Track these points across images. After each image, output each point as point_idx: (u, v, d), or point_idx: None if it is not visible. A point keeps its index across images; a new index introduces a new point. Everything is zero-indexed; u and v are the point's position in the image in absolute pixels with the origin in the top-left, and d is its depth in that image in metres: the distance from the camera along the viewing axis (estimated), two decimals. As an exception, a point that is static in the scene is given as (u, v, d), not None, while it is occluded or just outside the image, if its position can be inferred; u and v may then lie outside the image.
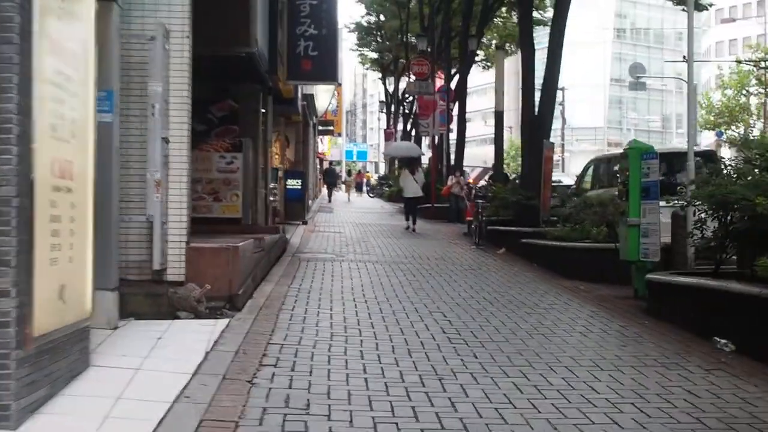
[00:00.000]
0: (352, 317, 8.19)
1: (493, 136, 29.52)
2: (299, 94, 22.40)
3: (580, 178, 19.88)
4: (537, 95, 18.11)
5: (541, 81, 17.87)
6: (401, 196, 24.22)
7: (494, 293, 10.27)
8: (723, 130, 49.24)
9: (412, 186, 22.08)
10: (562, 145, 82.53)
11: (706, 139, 53.76)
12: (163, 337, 6.78)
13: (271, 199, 15.50)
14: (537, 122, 17.68)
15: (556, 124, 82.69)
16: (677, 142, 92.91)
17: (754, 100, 50.94)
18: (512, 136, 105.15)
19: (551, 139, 17.45)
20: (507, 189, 18.14)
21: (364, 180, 68.55)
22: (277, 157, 23.80)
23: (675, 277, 8.69)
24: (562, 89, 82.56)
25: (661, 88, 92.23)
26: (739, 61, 47.51)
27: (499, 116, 22.26)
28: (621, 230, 10.40)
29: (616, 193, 15.98)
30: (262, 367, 5.94)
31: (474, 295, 9.99)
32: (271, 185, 15.45)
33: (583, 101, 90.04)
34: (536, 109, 17.82)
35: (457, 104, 31.84)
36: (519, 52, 47.14)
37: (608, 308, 9.40)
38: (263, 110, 15.69)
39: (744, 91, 51.22)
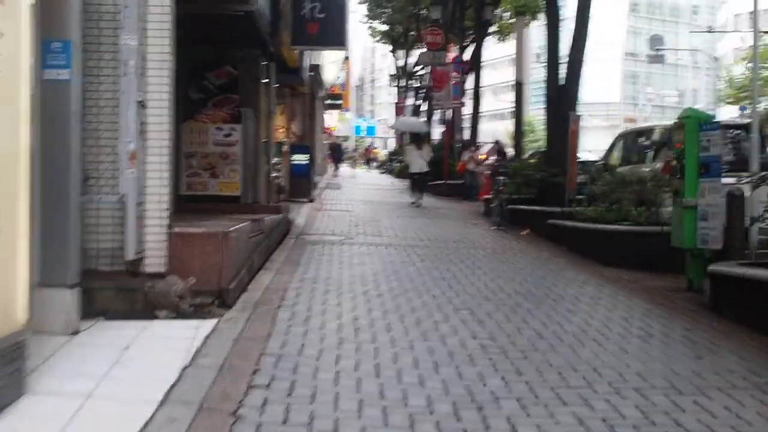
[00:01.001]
0: (364, 316, 6.88)
1: (503, 111, 28.51)
2: (305, 64, 21.01)
3: (608, 153, 18.46)
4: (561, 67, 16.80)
5: (567, 50, 16.54)
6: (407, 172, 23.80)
7: (526, 284, 8.96)
8: (746, 105, 47.46)
9: (417, 162, 21.78)
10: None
11: (729, 114, 52.02)
12: (133, 346, 5.49)
13: (274, 175, 14.21)
14: (562, 93, 16.30)
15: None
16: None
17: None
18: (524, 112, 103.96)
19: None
20: (530, 165, 16.77)
21: (373, 156, 67.68)
22: (281, 130, 22.48)
23: (748, 269, 7.33)
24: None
25: (676, 63, 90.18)
26: (764, 32, 45.65)
27: (519, 88, 20.87)
28: (674, 212, 9.06)
29: (656, 167, 14.71)
30: (251, 390, 4.65)
31: (503, 287, 8.68)
32: (274, 160, 14.16)
33: (596, 76, 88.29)
34: (561, 80, 16.47)
35: (471, 76, 30.39)
36: (532, 24, 45.75)
37: (662, 304, 8.08)
38: (266, 79, 14.34)
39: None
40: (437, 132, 43.98)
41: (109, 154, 6.62)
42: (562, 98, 16.24)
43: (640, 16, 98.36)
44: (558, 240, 13.02)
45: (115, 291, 6.44)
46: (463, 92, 30.27)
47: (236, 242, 7.30)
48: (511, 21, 42.45)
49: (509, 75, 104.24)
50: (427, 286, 8.58)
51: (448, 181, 26.79)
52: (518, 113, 21.09)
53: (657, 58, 48.50)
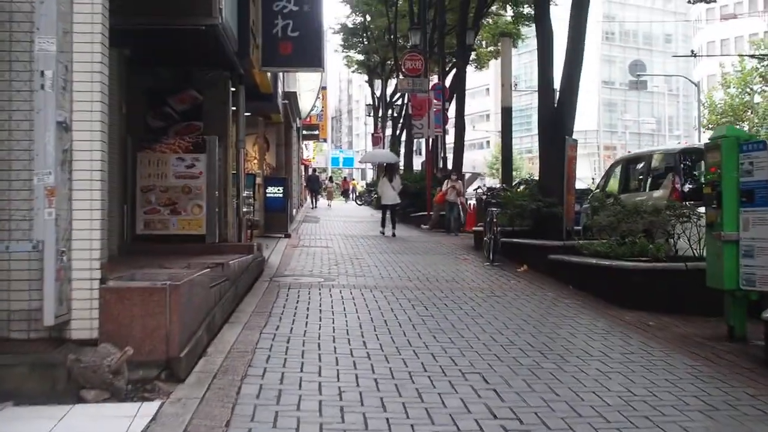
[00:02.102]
0: (351, 389, 5.46)
1: (481, 140, 27.52)
2: (279, 90, 19.70)
3: (605, 180, 17.24)
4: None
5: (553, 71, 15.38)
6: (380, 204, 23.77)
7: (540, 335, 7.58)
8: (728, 130, 46.63)
9: (389, 193, 21.66)
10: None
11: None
12: (40, 449, 4.06)
13: (245, 210, 12.81)
14: (557, 116, 15.06)
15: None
16: (671, 144, 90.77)
17: (758, 98, 48.58)
18: (499, 141, 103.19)
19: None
20: (524, 194, 15.46)
21: (350, 187, 66.59)
22: (254, 161, 21.12)
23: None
24: (555, 91, 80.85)
25: (652, 90, 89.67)
26: (742, 56, 45.11)
27: (506, 114, 19.61)
28: (709, 248, 7.74)
29: (658, 195, 13.47)
30: None
31: (513, 340, 7.31)
32: (245, 193, 12.78)
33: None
34: (555, 103, 15.27)
35: (453, 103, 29.22)
36: (497, 59, 44.85)
37: (708, 359, 6.72)
38: (234, 105, 12.98)
39: (748, 89, 48.85)
40: (417, 162, 42.90)
41: (21, 190, 5.21)
42: (557, 122, 14.99)
43: (614, 44, 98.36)
44: (561, 277, 11.69)
45: (29, 367, 4.99)
46: (445, 120, 29.08)
47: (190, 297, 5.88)
48: (488, 50, 41.76)
49: (486, 104, 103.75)
50: (424, 340, 7.19)
51: (431, 213, 25.51)
52: (506, 140, 19.80)
53: (639, 84, 47.52)
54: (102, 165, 5.55)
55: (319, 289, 10.37)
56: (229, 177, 12.26)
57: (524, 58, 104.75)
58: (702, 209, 9.60)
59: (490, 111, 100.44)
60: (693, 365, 6.46)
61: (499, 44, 39.32)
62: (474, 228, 19.05)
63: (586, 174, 73.02)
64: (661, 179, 14.23)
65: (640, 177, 15.23)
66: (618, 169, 16.68)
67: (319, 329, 7.61)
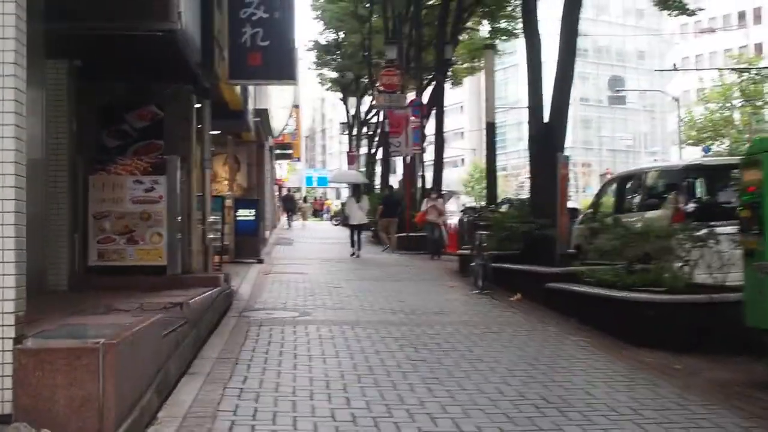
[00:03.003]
0: (335, 472, 4.35)
1: (456, 159, 26.70)
2: (250, 107, 18.58)
3: (596, 200, 16.23)
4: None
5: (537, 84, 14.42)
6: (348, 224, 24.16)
7: (552, 384, 6.49)
8: (709, 146, 46.12)
9: (357, 213, 22.06)
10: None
11: (691, 155, 50.72)
12: None
13: (212, 236, 11.65)
14: (548, 131, 14.05)
15: (524, 144, 79.93)
16: (647, 161, 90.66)
17: (737, 114, 48.08)
18: (476, 158, 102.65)
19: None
20: (513, 215, 14.40)
21: (325, 207, 65.82)
22: (224, 182, 19.96)
23: None
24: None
25: (626, 107, 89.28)
26: (722, 69, 44.61)
27: (490, 129, 18.65)
28: (749, 280, 6.69)
29: (657, 215, 12.46)
30: None
31: (524, 391, 6.21)
32: (212, 218, 11.64)
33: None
34: (545, 117, 14.27)
35: (432, 119, 28.26)
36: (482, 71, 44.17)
37: (759, 416, 5.65)
38: (199, 122, 11.86)
39: (728, 105, 48.35)
40: (394, 181, 41.88)
41: None
42: (547, 138, 13.98)
43: (588, 61, 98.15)
44: (561, 308, 10.62)
45: None
46: (423, 137, 28.05)
47: (133, 355, 4.71)
48: (464, 66, 40.89)
49: (460, 122, 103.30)
50: (419, 395, 6.07)
51: (410, 234, 24.41)
52: (491, 157, 18.82)
53: (618, 100, 46.87)
54: (16, 192, 4.37)
55: (294, 327, 9.23)
56: (194, 200, 11.12)
57: (499, 75, 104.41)
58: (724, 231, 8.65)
59: (464, 129, 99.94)
60: (745, 426, 5.38)
61: (475, 61, 38.92)
62: (458, 251, 18.00)
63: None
64: (661, 198, 13.24)
65: (638, 196, 14.24)
66: (612, 188, 15.72)
67: (294, 381, 6.47)
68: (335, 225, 46.72)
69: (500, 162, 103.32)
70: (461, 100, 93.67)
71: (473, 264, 13.72)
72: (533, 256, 13.27)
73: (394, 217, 24.12)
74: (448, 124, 77.52)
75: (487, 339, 8.64)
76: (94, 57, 9.60)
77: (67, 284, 9.22)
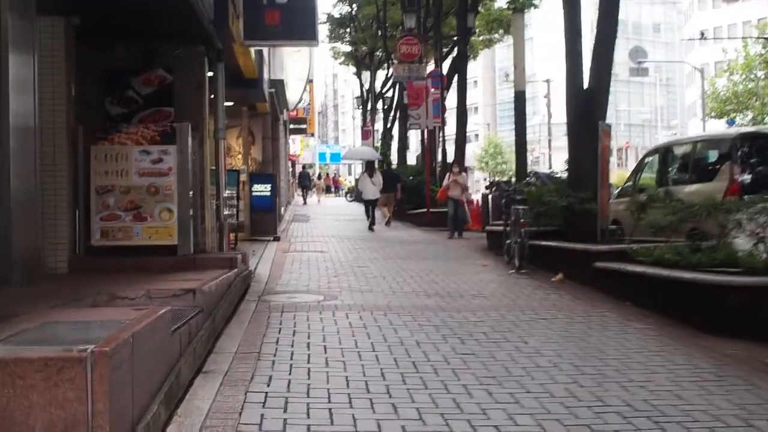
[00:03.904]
0: None
1: (470, 134, 25.78)
2: (265, 76, 17.55)
3: (636, 173, 15.15)
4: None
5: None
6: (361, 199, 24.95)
7: (632, 385, 5.45)
8: (733, 118, 44.69)
9: (370, 189, 22.74)
10: (549, 141, 78.47)
11: (715, 128, 49.34)
12: None
13: (227, 212, 10.68)
14: (588, 99, 12.98)
15: (538, 119, 78.43)
16: (664, 135, 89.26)
17: (762, 84, 46.58)
18: (489, 133, 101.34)
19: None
20: (550, 189, 13.33)
21: (339, 184, 65.27)
22: (238, 156, 18.98)
23: None
24: (548, 81, 78.59)
25: (642, 81, 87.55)
26: (748, 39, 43.12)
27: (519, 98, 17.55)
28: None
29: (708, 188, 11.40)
30: None
31: (600, 394, 5.20)
32: (227, 193, 10.66)
33: (562, 96, 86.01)
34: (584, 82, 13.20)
35: (452, 91, 27.15)
36: (498, 44, 42.82)
37: None
38: (213, 89, 10.85)
39: (751, 77, 46.86)
40: (411, 156, 40.82)
41: None
42: (588, 105, 12.91)
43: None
44: (611, 290, 9.62)
45: None
46: (443, 109, 26.94)
47: (131, 362, 3.71)
48: (480, 39, 39.58)
49: (474, 97, 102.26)
50: (477, 400, 5.06)
51: (431, 210, 23.41)
52: (521, 129, 17.74)
53: (640, 72, 45.55)
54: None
55: (320, 312, 8.26)
56: (207, 173, 10.13)
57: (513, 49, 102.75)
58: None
59: (478, 104, 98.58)
60: None
61: (493, 33, 37.67)
62: (487, 227, 16.98)
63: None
64: (712, 170, 12.19)
65: (684, 168, 13.17)
66: (653, 160, 14.64)
67: (327, 382, 5.49)
68: (350, 201, 45.80)
69: (514, 137, 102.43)
70: (475, 74, 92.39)
71: (509, 241, 12.70)
72: (572, 232, 12.30)
73: (393, 192, 24.09)
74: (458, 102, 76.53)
75: (538, 327, 7.63)
76: (94, 14, 8.61)
77: (68, 266, 8.30)
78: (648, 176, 14.71)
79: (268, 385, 5.34)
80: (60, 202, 8.32)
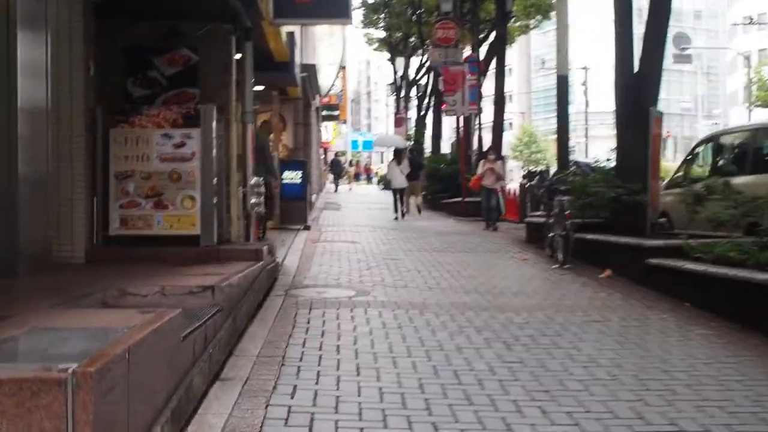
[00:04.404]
0: None
1: (504, 123, 25.18)
2: (297, 60, 16.94)
3: (687, 163, 14.35)
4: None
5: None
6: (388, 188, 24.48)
7: (710, 406, 4.74)
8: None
9: (399, 177, 22.17)
10: (586, 129, 77.38)
11: (761, 117, 48.03)
12: None
13: (254, 201, 10.08)
14: (641, 82, 12.22)
15: (574, 107, 77.24)
16: (704, 125, 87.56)
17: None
18: (524, 122, 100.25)
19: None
20: (598, 179, 12.55)
21: (371, 172, 64.85)
22: (269, 142, 18.35)
23: None
24: (585, 69, 77.36)
25: (681, 69, 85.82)
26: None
27: (562, 83, 16.74)
28: None
29: None
30: None
31: (678, 419, 4.53)
32: (254, 180, 10.07)
33: (599, 84, 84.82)
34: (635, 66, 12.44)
35: (490, 77, 26.36)
36: (534, 30, 41.75)
37: None
38: (240, 69, 10.24)
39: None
40: (446, 144, 40.09)
41: None
42: (639, 90, 12.16)
43: (643, 22, 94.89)
44: (665, 289, 8.91)
45: None
46: (480, 96, 26.17)
47: (126, 380, 3.11)
48: (516, 24, 38.64)
49: (508, 85, 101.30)
50: (531, 420, 4.42)
51: (466, 199, 22.70)
52: (563, 116, 16.93)
53: (683, 58, 44.37)
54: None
55: (351, 310, 7.64)
56: (233, 159, 9.54)
57: (550, 36, 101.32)
58: None
59: (512, 92, 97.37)
60: None
61: (531, 18, 36.73)
62: (527, 219, 16.25)
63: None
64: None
65: (741, 157, 12.35)
66: (706, 149, 13.85)
67: (359, 394, 4.87)
68: (382, 190, 45.23)
69: (550, 126, 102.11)
70: (510, 62, 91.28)
71: (552, 234, 12.00)
72: (619, 225, 11.59)
73: (418, 179, 24.10)
74: (493, 89, 75.83)
75: (591, 331, 6.95)
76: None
77: (84, 256, 7.76)
78: (699, 166, 13.94)
79: (292, 397, 4.73)
80: (77, 188, 7.78)
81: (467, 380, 5.22)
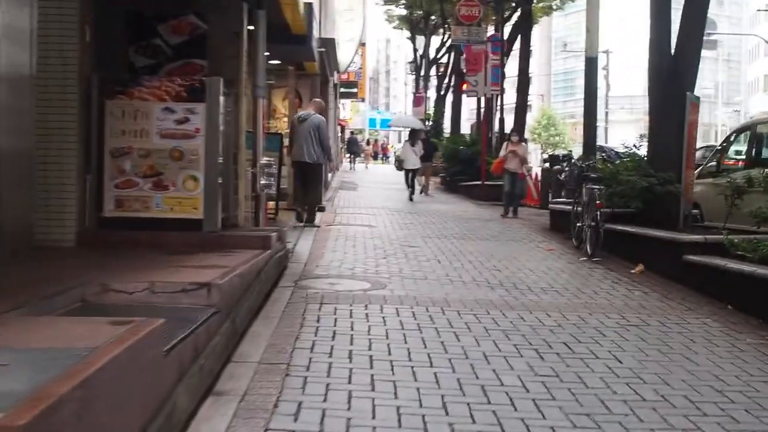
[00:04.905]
0: None
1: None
2: (314, 33, 16.22)
3: (722, 151, 13.59)
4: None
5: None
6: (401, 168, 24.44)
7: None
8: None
9: (412, 158, 22.53)
10: (606, 114, 76.28)
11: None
12: None
13: (264, 182, 9.42)
14: (678, 64, 11.47)
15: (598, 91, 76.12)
16: (723, 112, 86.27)
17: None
18: (543, 105, 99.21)
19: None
20: (629, 167, 11.79)
21: (388, 152, 64.29)
22: (284, 119, 17.72)
23: None
24: (607, 52, 76.02)
25: (702, 56, 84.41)
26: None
27: (590, 65, 15.92)
28: None
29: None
30: None
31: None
32: (264, 160, 9.39)
33: (620, 68, 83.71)
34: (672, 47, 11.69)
35: (512, 58, 25.55)
36: (555, 12, 40.73)
37: None
38: (252, 37, 9.54)
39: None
40: (465, 125, 39.29)
41: None
42: (675, 73, 11.41)
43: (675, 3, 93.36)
44: (704, 288, 8.23)
45: None
46: (503, 76, 25.35)
47: (87, 417, 2.45)
48: (539, 5, 37.65)
49: (530, 67, 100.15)
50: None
51: (486, 183, 21.96)
52: (589, 99, 16.12)
53: (708, 43, 43.21)
54: None
55: (366, 307, 6.97)
56: (242, 136, 8.86)
57: (571, 19, 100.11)
58: None
59: (533, 74, 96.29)
60: None
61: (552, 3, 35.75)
62: (552, 206, 15.52)
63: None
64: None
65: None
66: (741, 138, 13.08)
67: (373, 416, 4.20)
68: (398, 170, 44.63)
69: (569, 109, 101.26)
70: (533, 43, 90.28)
71: (581, 224, 11.28)
72: (650, 215, 10.89)
73: (430, 162, 24.72)
74: (515, 69, 74.94)
75: (630, 338, 6.26)
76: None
77: (75, 240, 7.12)
78: (734, 157, 13.20)
79: (296, 420, 4.07)
80: (68, 165, 7.14)
81: (497, 399, 4.56)
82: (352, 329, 6.10)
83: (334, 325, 6.20)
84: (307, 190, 13.34)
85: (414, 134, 24.00)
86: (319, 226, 12.83)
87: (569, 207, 12.73)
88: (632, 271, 9.65)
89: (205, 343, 4.35)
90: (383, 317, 6.57)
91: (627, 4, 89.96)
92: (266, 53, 9.95)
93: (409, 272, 8.98)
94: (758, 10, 62.47)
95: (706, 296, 8.09)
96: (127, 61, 8.49)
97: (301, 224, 12.66)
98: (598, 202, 10.62)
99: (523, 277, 9.03)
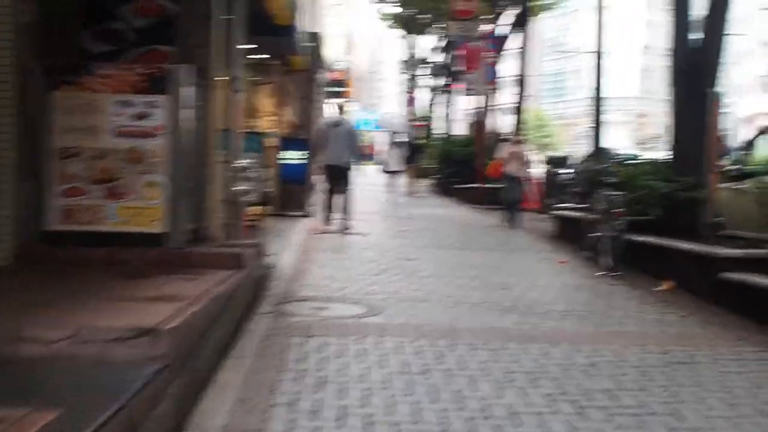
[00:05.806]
0: None
1: (513, 104, 23.33)
2: (300, 26, 15.04)
3: (745, 152, 12.50)
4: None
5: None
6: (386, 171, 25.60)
7: None
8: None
9: (395, 160, 23.72)
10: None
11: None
12: None
13: (243, 188, 8.23)
14: (701, 61, 10.39)
15: (584, 92, 75.36)
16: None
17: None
18: (533, 106, 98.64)
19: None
20: (649, 171, 10.65)
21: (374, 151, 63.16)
22: (270, 117, 16.54)
23: None
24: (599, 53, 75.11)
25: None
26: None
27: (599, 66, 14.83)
28: None
29: None
30: None
31: None
32: (242, 162, 8.21)
33: (612, 70, 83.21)
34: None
35: (506, 55, 24.47)
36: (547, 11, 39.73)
37: None
38: (227, 22, 8.35)
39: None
40: (457, 125, 38.16)
41: None
42: (698, 69, 10.32)
43: (657, 8, 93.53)
44: (744, 310, 7.12)
45: None
46: (496, 75, 24.29)
47: None
48: (538, 3, 36.52)
49: (519, 67, 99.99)
50: None
51: (483, 186, 20.78)
52: (600, 99, 15.03)
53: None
54: None
55: (360, 341, 5.78)
56: (214, 135, 7.67)
57: (558, 21, 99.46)
58: None
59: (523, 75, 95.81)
60: None
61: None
62: (557, 212, 14.34)
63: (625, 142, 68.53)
64: None
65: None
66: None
67: None
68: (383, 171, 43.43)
69: (558, 110, 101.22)
70: (521, 45, 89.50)
71: (596, 234, 10.14)
72: (670, 224, 9.78)
73: (413, 164, 25.27)
74: (508, 70, 74.13)
75: (682, 380, 5.11)
76: None
77: (11, 257, 5.93)
78: (759, 158, 12.10)
79: None
80: (2, 169, 5.95)
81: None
82: (345, 374, 4.92)
83: (323, 367, 5.03)
84: (340, 193, 13.27)
85: (398, 136, 25.13)
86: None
87: (578, 214, 11.60)
88: (657, 289, 8.52)
89: (140, 421, 3.16)
90: (381, 355, 5.39)
91: (617, 6, 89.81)
92: (249, 46, 8.79)
93: (408, 292, 7.82)
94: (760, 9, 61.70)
95: (750, 319, 6.97)
96: (81, 47, 7.29)
97: (348, 231, 12.69)
98: (618, 210, 9.47)
99: (537, 297, 7.88)
